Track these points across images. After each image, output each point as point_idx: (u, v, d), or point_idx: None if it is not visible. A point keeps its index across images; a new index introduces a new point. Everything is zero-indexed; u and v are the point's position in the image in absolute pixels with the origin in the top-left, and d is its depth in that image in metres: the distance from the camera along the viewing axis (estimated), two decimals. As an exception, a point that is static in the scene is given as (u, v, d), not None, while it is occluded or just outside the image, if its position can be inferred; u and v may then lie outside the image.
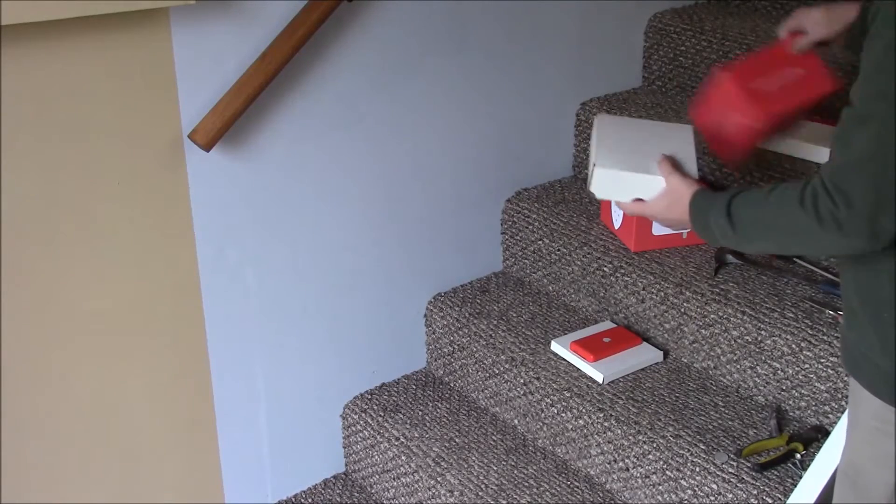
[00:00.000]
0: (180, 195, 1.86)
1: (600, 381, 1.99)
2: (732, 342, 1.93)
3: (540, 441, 2.09)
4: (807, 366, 1.81)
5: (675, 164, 1.60)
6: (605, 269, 2.14)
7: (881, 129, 1.10)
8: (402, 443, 2.12)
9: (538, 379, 2.05)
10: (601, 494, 1.95)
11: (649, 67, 2.56)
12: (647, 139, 1.69)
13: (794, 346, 1.82)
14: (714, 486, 1.74)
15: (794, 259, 2.03)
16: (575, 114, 2.45)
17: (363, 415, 2.23)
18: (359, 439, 2.24)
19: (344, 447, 2.32)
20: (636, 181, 1.62)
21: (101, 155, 1.74)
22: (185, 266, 1.91)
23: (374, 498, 2.24)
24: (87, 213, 1.76)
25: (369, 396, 2.27)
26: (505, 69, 2.26)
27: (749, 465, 1.73)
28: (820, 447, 1.67)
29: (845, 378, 1.76)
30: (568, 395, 1.98)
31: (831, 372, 1.78)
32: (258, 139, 1.92)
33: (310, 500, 2.25)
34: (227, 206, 1.93)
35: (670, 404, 1.91)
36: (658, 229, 2.11)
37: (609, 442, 1.91)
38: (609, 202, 2.20)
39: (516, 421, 2.14)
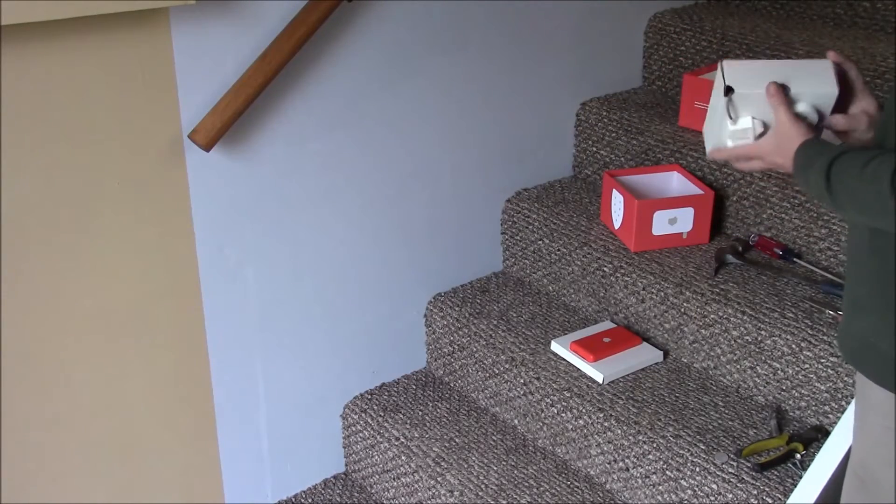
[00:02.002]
0: (180, 195, 1.86)
1: (600, 381, 1.99)
2: (732, 342, 1.93)
3: (540, 441, 2.09)
4: (807, 366, 1.81)
5: (788, 100, 1.42)
6: (605, 269, 2.14)
7: None
8: (402, 443, 2.12)
9: (538, 379, 2.05)
10: (601, 494, 1.95)
11: (649, 67, 2.56)
12: (782, 73, 1.45)
13: (794, 346, 1.82)
14: (714, 486, 1.74)
15: (794, 259, 2.03)
16: (575, 114, 2.46)
17: (363, 415, 2.23)
18: (359, 439, 2.24)
19: (344, 447, 2.32)
20: (755, 101, 1.42)
21: (101, 155, 1.74)
22: (185, 266, 1.91)
23: (374, 498, 2.24)
24: (87, 213, 1.76)
25: (369, 396, 2.27)
26: (505, 69, 2.26)
27: (749, 465, 1.73)
28: (820, 447, 1.67)
29: (846, 378, 1.76)
30: (568, 395, 1.99)
31: (831, 372, 1.78)
32: (258, 139, 1.92)
33: (310, 500, 2.25)
34: (227, 206, 1.93)
35: (670, 404, 1.91)
36: (658, 229, 2.11)
37: (609, 442, 1.91)
38: (609, 202, 2.20)
39: (516, 421, 2.14)
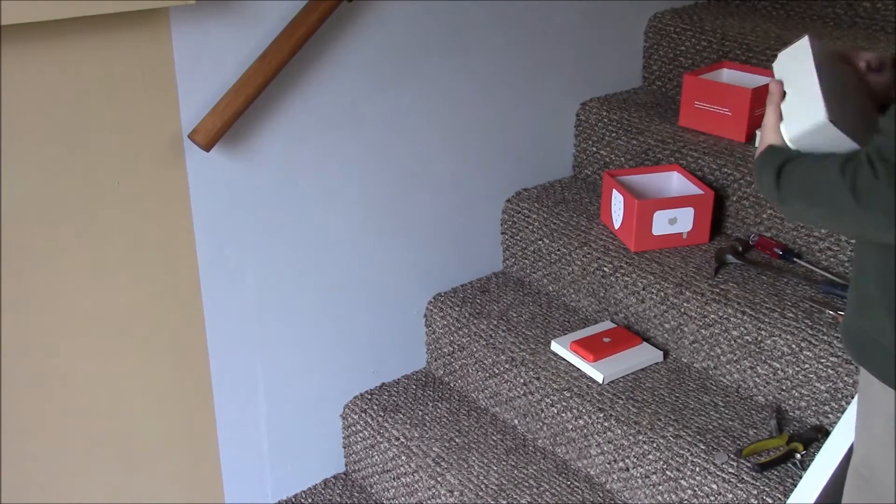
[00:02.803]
0: (180, 195, 1.86)
1: (600, 381, 1.99)
2: (732, 342, 1.93)
3: (540, 441, 2.09)
4: (807, 366, 1.81)
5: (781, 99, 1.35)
6: (605, 269, 2.14)
7: None
8: (402, 443, 2.12)
9: (538, 379, 2.05)
10: (601, 494, 1.95)
11: (649, 67, 2.56)
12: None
13: (794, 346, 1.82)
14: (714, 486, 1.74)
15: (794, 259, 2.03)
16: (575, 114, 2.46)
17: (363, 415, 2.23)
18: (359, 439, 2.24)
19: (344, 447, 2.32)
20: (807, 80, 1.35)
21: (101, 155, 1.74)
22: (185, 266, 1.91)
23: (374, 498, 2.24)
24: (86, 214, 1.76)
25: (369, 396, 2.27)
26: (505, 69, 2.26)
27: (749, 465, 1.73)
28: (820, 447, 1.67)
29: (846, 378, 1.76)
30: (568, 395, 1.99)
31: (831, 372, 1.78)
32: (258, 139, 1.92)
33: (310, 500, 2.25)
34: (227, 206, 1.93)
35: (670, 404, 1.91)
36: (658, 229, 2.11)
37: (609, 442, 1.91)
38: (609, 202, 2.20)
39: (516, 421, 2.14)
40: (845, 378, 1.76)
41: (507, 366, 2.12)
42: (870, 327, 1.29)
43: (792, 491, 1.65)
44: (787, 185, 1.24)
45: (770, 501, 1.67)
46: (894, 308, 1.24)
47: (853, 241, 1.40)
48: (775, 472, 1.72)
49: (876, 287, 1.27)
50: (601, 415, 1.92)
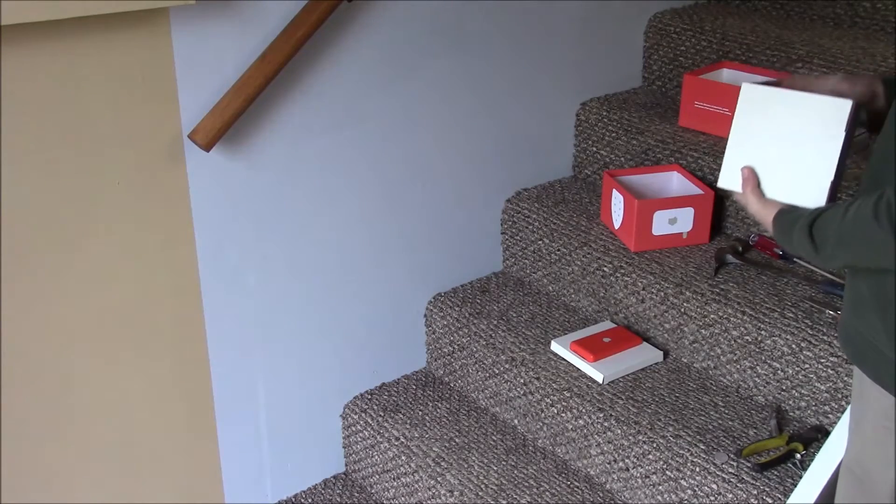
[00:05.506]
0: (180, 195, 1.86)
1: (600, 381, 1.99)
2: (732, 342, 1.93)
3: (540, 441, 2.09)
4: (807, 366, 1.81)
5: (757, 181, 1.44)
6: (605, 269, 2.14)
7: None
8: (402, 443, 2.12)
9: (538, 379, 2.05)
10: (601, 494, 1.95)
11: (649, 67, 2.56)
12: (787, 128, 1.41)
13: (794, 346, 1.82)
14: (714, 486, 1.74)
15: (795, 259, 2.03)
16: (575, 114, 2.46)
17: (363, 415, 2.23)
18: (359, 439, 2.24)
19: (344, 447, 2.32)
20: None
21: (102, 155, 1.74)
22: (185, 266, 1.91)
23: (374, 498, 2.25)
24: (87, 213, 1.76)
25: (369, 396, 2.27)
26: (505, 69, 2.26)
27: (749, 465, 1.73)
28: (820, 447, 1.68)
29: (846, 378, 1.76)
30: (568, 395, 1.99)
31: (831, 372, 1.78)
32: (258, 139, 1.92)
33: (310, 500, 2.25)
34: (227, 206, 1.93)
35: (670, 404, 1.91)
36: (658, 229, 2.12)
37: (609, 442, 1.91)
38: (609, 202, 2.20)
39: (516, 421, 2.14)
40: (845, 378, 1.76)
41: (507, 366, 2.12)
42: (864, 328, 1.29)
43: (792, 491, 1.65)
44: (825, 245, 1.26)
45: (770, 501, 1.67)
46: (888, 310, 1.24)
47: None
48: (775, 472, 1.72)
49: (868, 289, 1.27)
50: (601, 415, 1.92)
